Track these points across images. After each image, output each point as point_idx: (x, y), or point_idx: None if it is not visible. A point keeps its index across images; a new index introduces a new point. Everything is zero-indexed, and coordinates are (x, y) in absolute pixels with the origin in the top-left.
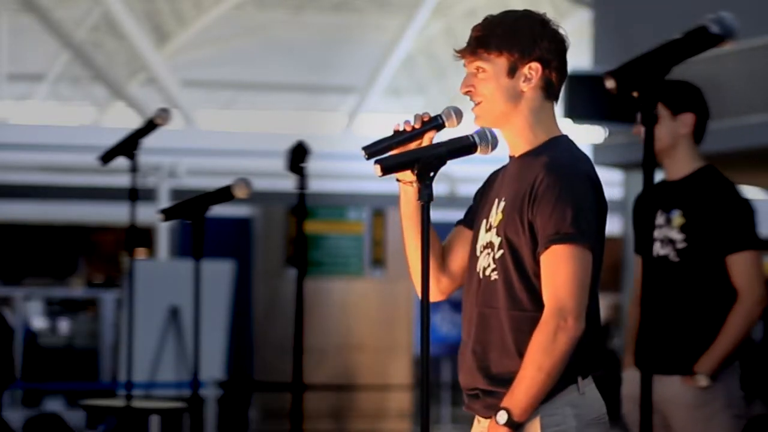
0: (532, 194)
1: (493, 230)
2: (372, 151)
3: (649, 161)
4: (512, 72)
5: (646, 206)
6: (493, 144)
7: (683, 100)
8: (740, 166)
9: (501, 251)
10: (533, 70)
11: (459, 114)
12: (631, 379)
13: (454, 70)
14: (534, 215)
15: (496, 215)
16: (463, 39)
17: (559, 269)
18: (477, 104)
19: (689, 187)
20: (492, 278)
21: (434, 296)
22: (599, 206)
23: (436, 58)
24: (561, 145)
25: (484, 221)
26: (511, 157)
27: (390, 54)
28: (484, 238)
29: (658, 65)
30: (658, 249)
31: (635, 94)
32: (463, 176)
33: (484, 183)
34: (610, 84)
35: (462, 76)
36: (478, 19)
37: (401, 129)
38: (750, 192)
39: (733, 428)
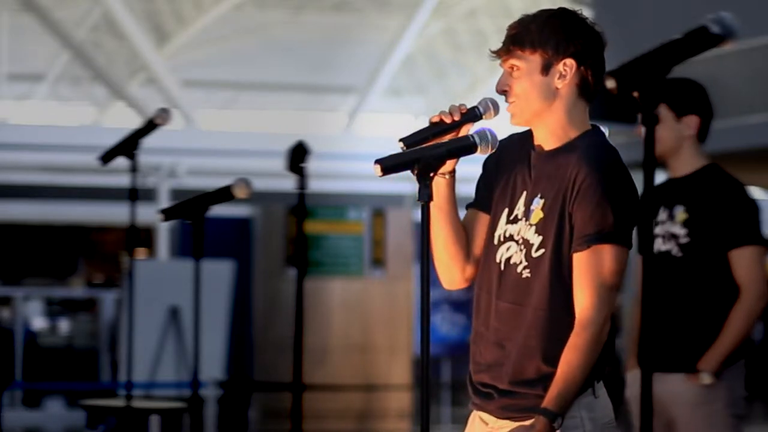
0: (573, 190)
1: (530, 228)
2: (409, 142)
3: (650, 161)
4: (546, 69)
5: (649, 205)
6: (493, 144)
7: (688, 102)
8: (740, 166)
9: (542, 251)
10: (568, 66)
11: (496, 106)
12: (635, 380)
13: (454, 70)
14: (573, 210)
15: (533, 212)
16: (462, 39)
17: (604, 268)
18: (511, 103)
19: (693, 184)
20: (523, 275)
21: (459, 284)
22: (636, 202)
23: (436, 58)
24: (594, 137)
25: (507, 210)
26: (537, 147)
27: (390, 54)
28: (505, 228)
29: (658, 65)
30: (660, 245)
31: (635, 94)
32: (463, 176)
33: (496, 152)
34: (610, 84)
35: (462, 75)
36: (478, 20)
37: (438, 121)
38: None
39: (733, 428)
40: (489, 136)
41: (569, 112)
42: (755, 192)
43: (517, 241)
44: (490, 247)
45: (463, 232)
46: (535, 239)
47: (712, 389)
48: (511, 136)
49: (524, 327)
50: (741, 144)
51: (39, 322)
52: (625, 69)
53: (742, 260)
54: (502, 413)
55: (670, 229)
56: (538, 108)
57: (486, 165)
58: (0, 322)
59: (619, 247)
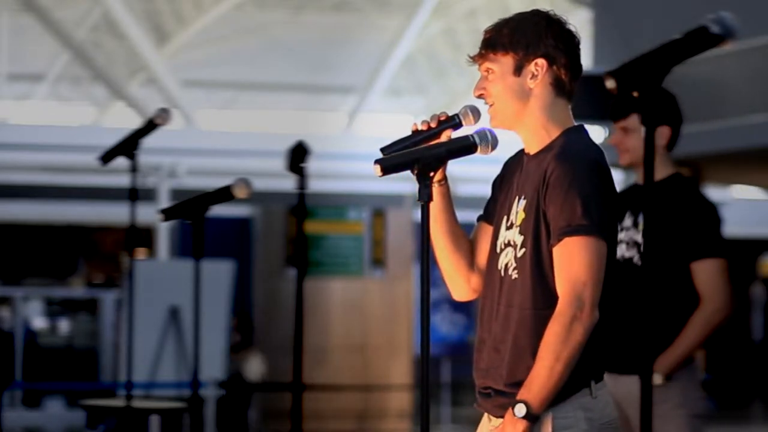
0: (544, 185)
1: (516, 228)
2: (390, 152)
3: (649, 161)
4: (518, 70)
5: (645, 209)
6: (493, 144)
7: (659, 112)
8: (740, 166)
9: (523, 250)
10: (539, 66)
11: (476, 112)
12: None
13: (454, 70)
14: (546, 205)
15: (518, 214)
16: (462, 39)
17: (573, 260)
18: (490, 106)
19: (658, 193)
20: (513, 277)
21: (467, 295)
22: (609, 194)
23: (436, 58)
24: (571, 135)
25: (505, 218)
26: (526, 154)
27: (390, 54)
28: (505, 235)
29: (658, 65)
30: (624, 251)
31: (635, 94)
32: (463, 176)
33: (501, 171)
34: (610, 84)
35: (462, 75)
36: (478, 20)
37: (419, 129)
38: (750, 192)
39: (689, 427)
40: (489, 136)
41: (547, 110)
42: (755, 192)
43: (512, 245)
44: (493, 256)
45: (465, 241)
46: (519, 239)
47: (664, 390)
48: (516, 153)
49: (514, 328)
50: (741, 144)
51: (39, 322)
52: (625, 69)
53: (704, 273)
54: (498, 411)
55: (634, 237)
56: (514, 109)
57: (493, 183)
58: (0, 322)
59: (589, 238)
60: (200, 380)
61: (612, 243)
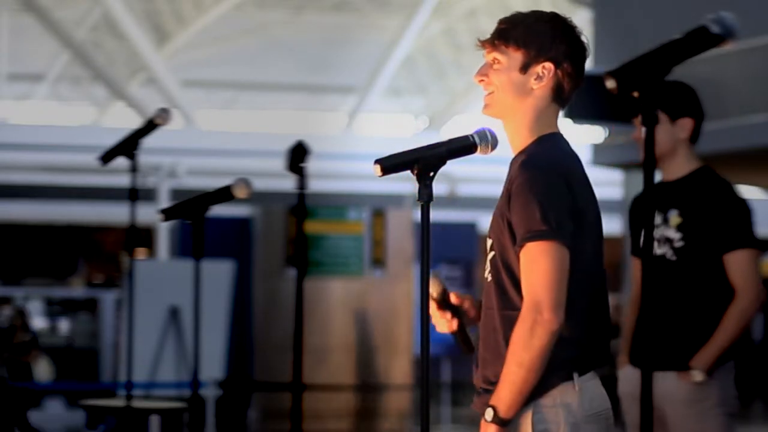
0: (510, 193)
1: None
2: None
3: (650, 161)
4: (525, 68)
5: (645, 208)
6: (493, 144)
7: (681, 105)
8: (740, 166)
9: (492, 253)
10: (546, 69)
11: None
12: (627, 377)
13: (454, 70)
14: (510, 213)
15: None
16: (462, 39)
17: (533, 265)
18: (488, 94)
19: (687, 187)
20: (488, 280)
21: None
22: (573, 202)
23: (436, 58)
24: (544, 142)
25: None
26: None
27: (390, 54)
28: (486, 243)
29: (658, 65)
30: (655, 248)
31: (635, 94)
32: (463, 176)
33: None
34: (610, 84)
35: (462, 75)
36: (478, 20)
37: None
38: (749, 192)
39: (725, 426)
40: (489, 136)
41: (538, 112)
42: (755, 192)
43: (488, 251)
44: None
45: None
46: (489, 243)
47: (704, 387)
48: None
49: (493, 329)
50: (741, 144)
51: (39, 322)
52: (625, 69)
53: (737, 264)
54: (484, 410)
55: (665, 233)
56: (511, 103)
57: None
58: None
59: (548, 243)
60: (200, 380)
61: (584, 248)
